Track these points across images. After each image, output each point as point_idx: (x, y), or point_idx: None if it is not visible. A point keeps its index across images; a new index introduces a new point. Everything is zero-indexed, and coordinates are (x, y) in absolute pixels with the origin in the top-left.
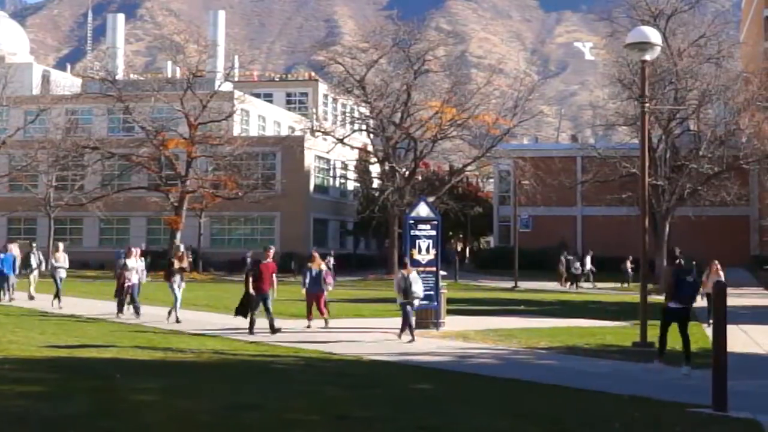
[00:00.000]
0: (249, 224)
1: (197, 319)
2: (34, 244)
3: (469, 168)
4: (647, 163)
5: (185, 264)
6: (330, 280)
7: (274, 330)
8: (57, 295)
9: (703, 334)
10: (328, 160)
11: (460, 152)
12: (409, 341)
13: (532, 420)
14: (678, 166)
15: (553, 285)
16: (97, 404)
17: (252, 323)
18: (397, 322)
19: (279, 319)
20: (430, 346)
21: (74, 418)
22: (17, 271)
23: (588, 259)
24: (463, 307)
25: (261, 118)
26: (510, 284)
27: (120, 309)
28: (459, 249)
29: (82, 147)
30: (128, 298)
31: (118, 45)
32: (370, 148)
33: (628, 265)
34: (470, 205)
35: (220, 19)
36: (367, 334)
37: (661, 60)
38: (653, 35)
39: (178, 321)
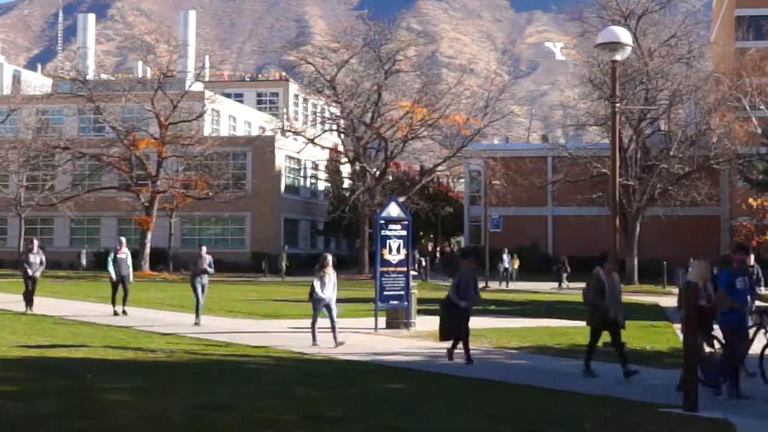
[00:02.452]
0: (220, 224)
1: (168, 319)
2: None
3: (439, 168)
4: (618, 163)
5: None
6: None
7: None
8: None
9: (673, 333)
10: (298, 160)
11: (431, 152)
12: None
13: (503, 420)
14: (649, 166)
15: (527, 285)
16: (68, 404)
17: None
18: (367, 322)
19: (250, 319)
20: (401, 346)
21: (45, 417)
22: None
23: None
24: (433, 308)
25: (232, 118)
26: (480, 284)
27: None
28: (429, 248)
29: (53, 147)
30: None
31: (88, 45)
32: (340, 148)
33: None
34: (441, 205)
35: (190, 19)
36: (338, 334)
37: (631, 60)
38: (624, 35)
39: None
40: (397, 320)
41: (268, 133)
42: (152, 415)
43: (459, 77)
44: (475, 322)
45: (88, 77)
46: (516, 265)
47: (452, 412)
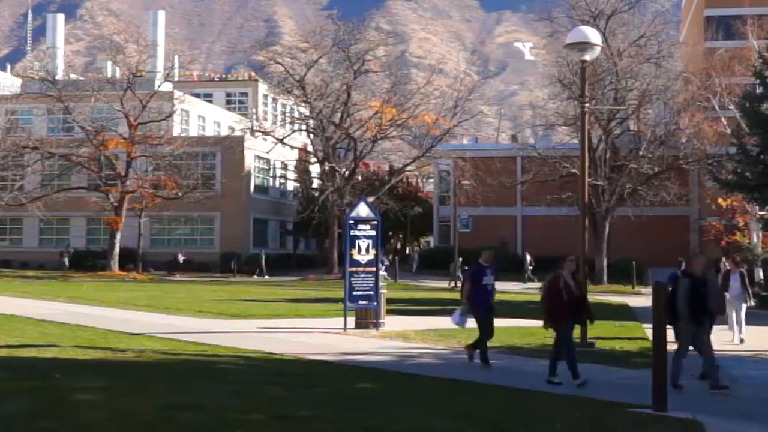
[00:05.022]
0: (189, 224)
1: (137, 319)
2: None
3: (409, 168)
4: (587, 163)
5: None
6: None
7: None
8: None
9: (643, 333)
10: (268, 160)
11: (400, 152)
12: None
13: (474, 420)
14: (618, 166)
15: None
16: (37, 404)
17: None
18: (336, 322)
19: (218, 319)
20: (370, 346)
21: (14, 418)
22: None
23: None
24: (403, 307)
25: (201, 118)
26: (450, 284)
27: None
28: (398, 248)
29: (22, 147)
30: None
31: (58, 45)
32: (309, 148)
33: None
34: (410, 205)
35: (159, 19)
36: (307, 334)
37: (601, 60)
38: (593, 35)
39: None
40: (367, 320)
41: (238, 133)
42: (121, 415)
43: (428, 77)
44: (446, 323)
45: (57, 77)
46: None
47: (422, 413)
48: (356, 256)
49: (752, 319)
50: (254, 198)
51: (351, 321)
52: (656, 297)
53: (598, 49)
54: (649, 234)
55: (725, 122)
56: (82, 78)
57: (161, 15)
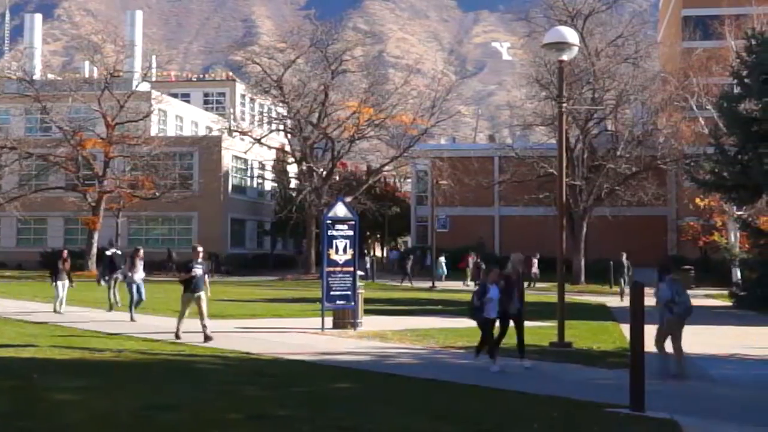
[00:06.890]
0: (167, 224)
1: (115, 319)
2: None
3: (386, 168)
4: (565, 163)
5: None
6: None
7: None
8: None
9: (620, 333)
10: (245, 160)
11: (378, 152)
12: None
13: (451, 420)
14: (595, 166)
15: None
16: (14, 404)
17: None
18: (314, 322)
19: (196, 319)
20: (348, 346)
21: None
22: None
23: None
24: (380, 307)
25: (178, 118)
26: (428, 284)
27: None
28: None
29: (0, 147)
30: None
31: (35, 45)
32: (287, 148)
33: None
34: (388, 206)
35: (137, 19)
36: (285, 334)
37: (578, 60)
38: (570, 35)
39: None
40: (344, 320)
41: (215, 133)
42: (100, 415)
43: (406, 77)
44: (423, 322)
45: (34, 77)
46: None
47: (399, 412)
48: (334, 256)
49: (729, 318)
50: (232, 198)
51: (329, 321)
52: (635, 296)
53: (575, 49)
54: (626, 234)
55: (703, 122)
56: (59, 78)
57: (139, 15)
